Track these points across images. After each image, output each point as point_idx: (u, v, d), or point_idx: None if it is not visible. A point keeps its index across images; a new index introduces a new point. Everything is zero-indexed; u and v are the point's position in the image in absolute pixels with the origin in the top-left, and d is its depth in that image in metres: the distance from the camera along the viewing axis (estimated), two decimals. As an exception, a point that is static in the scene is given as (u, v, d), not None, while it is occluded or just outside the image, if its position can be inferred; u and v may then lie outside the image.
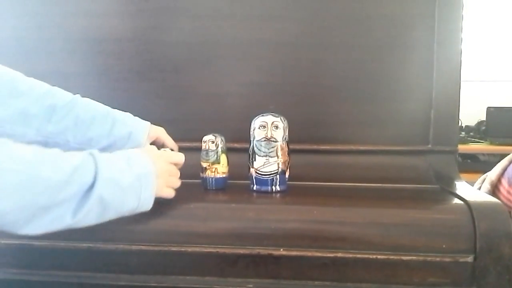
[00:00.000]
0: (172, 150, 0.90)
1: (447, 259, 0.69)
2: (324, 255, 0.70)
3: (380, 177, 0.93)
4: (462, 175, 0.94)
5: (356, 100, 0.98)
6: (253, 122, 0.83)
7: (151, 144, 0.89)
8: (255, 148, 0.82)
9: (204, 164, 0.84)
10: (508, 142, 2.54)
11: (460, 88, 0.96)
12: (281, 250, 0.71)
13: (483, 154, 2.72)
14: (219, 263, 0.72)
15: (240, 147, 0.89)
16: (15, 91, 0.78)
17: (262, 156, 0.81)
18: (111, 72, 1.02)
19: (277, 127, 0.81)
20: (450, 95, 0.96)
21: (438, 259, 0.69)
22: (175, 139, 0.93)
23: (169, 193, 0.74)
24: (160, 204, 0.70)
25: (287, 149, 0.82)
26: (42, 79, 0.84)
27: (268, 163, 0.81)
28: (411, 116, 0.98)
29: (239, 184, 0.85)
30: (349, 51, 0.98)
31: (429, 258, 0.69)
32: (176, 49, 1.01)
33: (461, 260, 0.69)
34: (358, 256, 0.70)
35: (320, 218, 0.72)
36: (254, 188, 0.83)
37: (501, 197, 1.04)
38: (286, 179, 0.83)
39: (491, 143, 2.63)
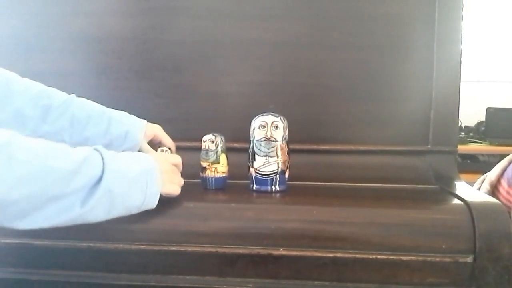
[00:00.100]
0: (169, 148, 0.90)
1: (447, 259, 0.69)
2: (324, 255, 0.70)
3: (379, 177, 0.93)
4: (462, 176, 0.94)
5: (356, 100, 0.98)
6: (253, 121, 0.83)
7: (148, 142, 0.89)
8: (255, 148, 0.82)
9: (204, 164, 0.84)
10: (508, 142, 2.54)
11: (460, 89, 0.96)
12: (281, 250, 0.71)
13: (483, 155, 2.72)
14: (218, 263, 0.72)
15: (239, 147, 0.88)
16: (9, 91, 0.78)
17: (262, 156, 0.81)
18: (111, 71, 1.02)
19: (277, 127, 0.81)
20: (450, 95, 0.96)
21: (437, 259, 0.69)
22: (175, 139, 0.93)
23: (175, 189, 0.74)
24: (160, 204, 0.70)
25: (287, 149, 0.82)
26: (42, 78, 0.84)
27: (268, 163, 0.81)
28: (411, 116, 0.98)
29: (239, 184, 0.85)
30: (349, 51, 0.98)
31: (428, 258, 0.69)
32: (176, 48, 1.01)
33: (461, 260, 0.69)
34: (358, 256, 0.70)
35: (319, 218, 0.73)
36: (254, 188, 0.83)
37: (501, 197, 1.04)
38: (286, 179, 0.83)
39: (491, 144, 2.63)
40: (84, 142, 0.81)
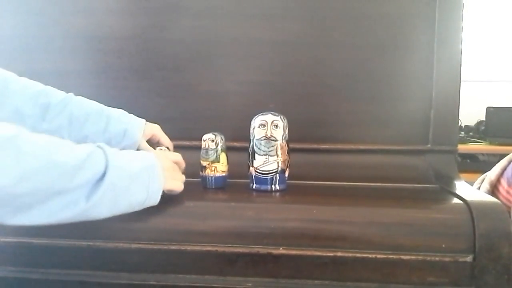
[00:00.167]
0: (167, 147, 0.90)
1: (447, 259, 0.69)
2: (324, 254, 0.70)
3: (379, 176, 0.93)
4: (462, 175, 0.94)
5: (356, 100, 0.98)
6: (253, 121, 0.83)
7: (146, 142, 0.89)
8: (255, 147, 0.82)
9: (204, 163, 0.84)
10: (508, 142, 2.54)
11: (460, 88, 0.96)
12: (281, 249, 0.71)
13: (483, 154, 2.72)
14: (218, 262, 0.72)
15: (239, 146, 0.89)
16: (7, 90, 0.78)
17: (262, 155, 0.81)
18: (111, 70, 1.02)
19: (277, 126, 0.81)
20: (450, 94, 0.96)
21: (437, 258, 0.69)
22: (175, 138, 0.93)
23: (177, 185, 0.75)
24: (160, 202, 0.70)
25: (287, 148, 0.82)
26: (42, 77, 0.84)
27: (267, 162, 0.81)
28: (411, 115, 0.98)
29: (239, 183, 0.85)
30: (349, 50, 0.98)
31: (428, 258, 0.69)
32: (176, 47, 1.01)
33: (461, 259, 0.69)
34: (358, 255, 0.70)
35: (319, 217, 0.73)
36: (254, 187, 0.82)
37: (500, 197, 1.04)
38: (286, 178, 0.83)
39: (491, 143, 2.63)
40: (83, 140, 0.81)
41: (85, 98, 0.86)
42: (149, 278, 0.73)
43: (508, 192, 1.02)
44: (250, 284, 0.71)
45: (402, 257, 0.69)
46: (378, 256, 0.69)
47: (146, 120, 0.89)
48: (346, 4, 0.98)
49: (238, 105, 1.00)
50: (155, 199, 0.69)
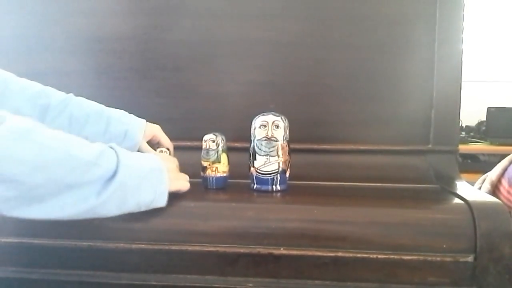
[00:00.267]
0: (167, 148, 0.90)
1: (448, 259, 0.69)
2: (325, 254, 0.70)
3: (380, 176, 0.93)
4: (462, 175, 0.94)
5: (356, 100, 0.98)
6: (253, 121, 0.83)
7: (147, 142, 0.89)
8: (255, 147, 0.82)
9: (205, 163, 0.84)
10: (508, 142, 2.54)
11: (460, 88, 0.96)
12: (282, 249, 0.71)
13: (483, 154, 2.72)
14: (219, 262, 0.72)
15: (240, 146, 0.89)
16: (7, 91, 0.78)
17: (263, 156, 0.81)
18: (111, 70, 1.02)
19: (277, 126, 0.81)
20: (450, 95, 0.96)
21: (438, 258, 0.69)
22: (176, 138, 0.93)
23: (183, 185, 0.76)
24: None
25: (287, 148, 0.82)
26: (42, 78, 0.85)
27: (268, 162, 0.81)
28: (411, 116, 0.98)
29: (240, 183, 0.85)
30: (350, 50, 0.98)
31: (429, 258, 0.69)
32: (177, 48, 1.01)
33: (462, 260, 0.69)
34: (359, 255, 0.70)
35: (320, 217, 0.72)
36: (255, 187, 0.82)
37: (501, 197, 1.04)
38: (287, 179, 0.83)
39: (491, 143, 2.63)
40: None
41: (85, 99, 0.86)
42: (149, 279, 0.73)
43: (509, 192, 1.02)
44: (251, 285, 0.71)
45: (403, 257, 0.69)
46: (379, 256, 0.69)
47: (147, 121, 0.89)
48: (347, 4, 0.98)
49: (239, 106, 1.00)
50: (162, 201, 0.70)
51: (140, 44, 1.01)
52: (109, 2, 1.02)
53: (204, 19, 1.00)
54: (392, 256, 0.69)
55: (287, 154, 0.82)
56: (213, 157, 0.83)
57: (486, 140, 2.69)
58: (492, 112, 2.72)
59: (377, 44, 0.97)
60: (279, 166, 0.81)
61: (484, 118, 2.76)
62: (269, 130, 0.81)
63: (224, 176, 0.84)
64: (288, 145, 0.82)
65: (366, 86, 0.98)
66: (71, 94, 0.85)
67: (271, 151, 0.80)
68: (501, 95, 2.79)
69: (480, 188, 1.10)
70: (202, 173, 0.84)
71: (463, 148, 2.20)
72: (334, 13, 0.98)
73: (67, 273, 0.74)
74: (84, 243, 0.73)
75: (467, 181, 0.91)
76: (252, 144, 0.83)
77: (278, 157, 0.81)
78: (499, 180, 1.06)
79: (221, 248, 0.71)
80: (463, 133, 2.76)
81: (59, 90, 0.85)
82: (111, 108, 0.87)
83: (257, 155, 0.81)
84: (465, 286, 0.69)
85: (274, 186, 0.81)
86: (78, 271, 0.74)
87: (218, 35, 1.00)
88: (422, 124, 0.97)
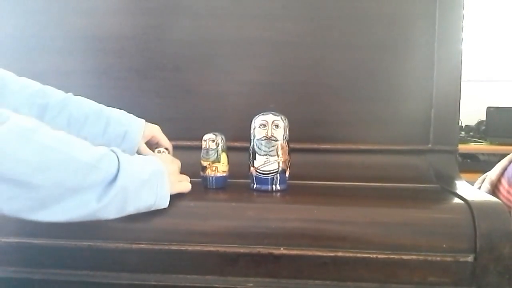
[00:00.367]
0: (166, 149, 0.90)
1: (448, 259, 0.69)
2: (325, 254, 0.70)
3: (380, 176, 0.93)
4: (462, 175, 0.94)
5: (356, 99, 0.98)
6: (253, 121, 0.83)
7: (145, 143, 0.89)
8: (255, 147, 0.82)
9: (205, 163, 0.84)
10: (508, 142, 2.54)
11: (460, 88, 0.96)
12: (282, 249, 0.71)
13: (483, 154, 2.72)
14: (219, 262, 0.72)
15: (240, 146, 0.88)
16: (6, 91, 0.78)
17: (263, 155, 0.81)
18: (111, 70, 1.02)
19: (277, 126, 0.81)
20: (450, 94, 0.96)
21: (438, 258, 0.69)
22: (175, 138, 0.93)
23: (185, 186, 0.77)
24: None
25: (287, 148, 0.82)
26: (42, 77, 0.84)
27: (268, 162, 0.81)
28: (411, 115, 0.98)
29: (239, 183, 0.85)
30: (350, 50, 0.98)
31: (429, 258, 0.69)
32: (177, 47, 1.01)
33: (462, 259, 0.69)
34: (359, 255, 0.70)
35: (320, 217, 0.72)
36: (254, 187, 0.82)
37: (501, 197, 1.04)
38: (287, 178, 0.83)
39: (491, 143, 2.64)
40: None
41: (85, 98, 0.85)
42: (149, 278, 0.73)
43: (508, 192, 1.02)
44: (251, 284, 0.71)
45: (403, 257, 0.69)
46: (379, 256, 0.69)
47: (146, 121, 0.89)
48: (346, 4, 0.98)
49: (238, 105, 1.00)
50: (164, 204, 0.71)
51: (140, 44, 1.01)
52: (109, 2, 1.02)
53: (204, 19, 1.00)
54: (392, 256, 0.69)
55: (287, 153, 0.82)
56: (212, 156, 0.83)
57: (485, 140, 2.69)
58: (492, 111, 2.72)
59: (377, 44, 0.97)
60: (279, 166, 0.81)
61: (483, 118, 2.76)
62: (269, 129, 0.81)
63: (224, 176, 0.84)
64: (288, 145, 0.82)
65: (366, 85, 0.98)
66: (70, 94, 0.85)
67: (271, 150, 0.80)
68: (500, 95, 2.79)
69: (479, 188, 1.10)
70: (201, 173, 0.84)
71: (462, 147, 2.20)
72: (334, 13, 0.98)
73: (67, 273, 0.74)
74: (84, 243, 0.73)
75: (467, 181, 0.91)
76: (252, 144, 0.83)
77: (278, 156, 0.81)
78: (498, 180, 1.06)
79: (221, 248, 0.71)
80: (463, 132, 2.76)
81: (59, 90, 0.85)
82: (110, 108, 0.87)
83: (257, 154, 0.81)
84: (465, 286, 0.69)
85: (274, 186, 0.81)
86: (78, 271, 0.74)
87: (218, 35, 1.00)
88: (422, 123, 0.97)
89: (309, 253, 0.70)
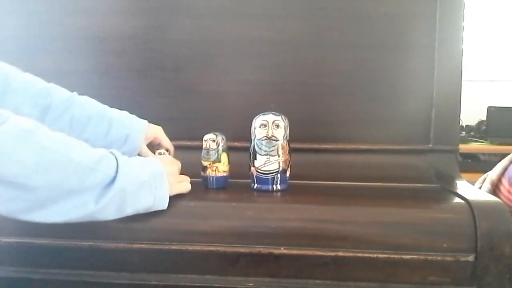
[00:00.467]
0: (167, 150, 0.90)
1: (448, 258, 0.69)
2: (325, 254, 0.70)
3: (381, 176, 0.93)
4: (463, 175, 0.94)
5: (357, 99, 0.98)
6: (254, 121, 0.82)
7: (147, 144, 0.89)
8: (256, 147, 0.82)
9: (205, 163, 0.84)
10: (509, 141, 2.54)
11: (461, 88, 0.96)
12: (282, 249, 0.71)
13: (484, 154, 2.72)
14: (219, 262, 0.72)
15: (241, 146, 0.88)
16: (9, 88, 0.77)
17: (263, 155, 0.81)
18: (112, 70, 1.02)
19: (278, 126, 0.81)
20: (451, 94, 0.96)
21: (439, 258, 0.69)
22: (176, 138, 0.93)
23: (185, 187, 0.77)
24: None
25: (288, 148, 0.82)
26: (42, 77, 0.84)
27: (269, 162, 0.81)
28: (412, 115, 0.98)
29: (240, 183, 0.85)
30: (350, 49, 0.98)
31: (430, 257, 0.69)
32: (177, 47, 1.01)
33: (462, 259, 0.69)
34: (359, 255, 0.70)
35: (320, 217, 0.72)
36: (255, 187, 0.82)
37: (502, 196, 1.04)
38: (287, 178, 0.83)
39: (492, 143, 2.63)
40: None
41: (89, 98, 0.85)
42: (150, 278, 0.73)
43: (509, 192, 1.02)
44: (251, 284, 0.71)
45: (404, 256, 0.69)
46: (379, 255, 0.69)
47: (148, 121, 0.89)
48: (347, 4, 0.98)
49: (239, 105, 1.00)
50: (163, 205, 0.71)
51: (140, 44, 1.01)
52: (109, 2, 1.02)
53: (204, 19, 1.00)
54: (392, 256, 0.69)
55: (288, 153, 0.82)
56: (213, 156, 0.83)
57: (486, 140, 2.69)
58: (492, 111, 2.72)
59: (378, 43, 0.97)
60: (279, 166, 0.81)
61: (484, 118, 2.76)
62: (270, 129, 0.81)
63: (224, 176, 0.84)
64: (288, 145, 0.82)
65: (367, 85, 0.98)
66: (74, 93, 0.84)
67: (272, 150, 0.80)
68: (501, 95, 2.79)
69: (480, 188, 1.10)
70: (202, 173, 0.84)
71: (463, 147, 2.19)
72: (334, 13, 0.98)
73: (67, 273, 0.74)
74: (85, 243, 0.73)
75: (467, 181, 0.91)
76: (252, 144, 0.83)
77: (279, 156, 0.81)
78: (499, 180, 1.06)
79: (221, 248, 0.71)
80: (463, 132, 2.76)
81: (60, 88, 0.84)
82: (113, 109, 0.86)
83: (257, 154, 0.81)
84: (465, 285, 0.69)
85: (274, 186, 0.81)
86: (79, 271, 0.74)
87: (219, 34, 1.00)
88: (422, 123, 0.97)
89: (310, 253, 0.70)
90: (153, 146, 0.90)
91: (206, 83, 1.00)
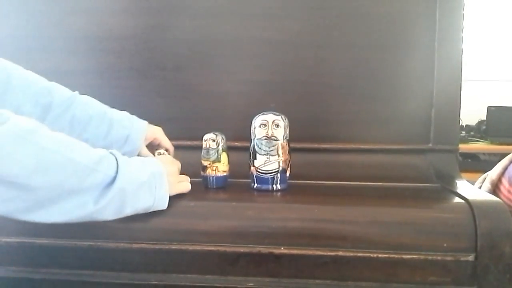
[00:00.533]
0: (167, 150, 0.90)
1: (448, 258, 0.69)
2: (325, 253, 0.70)
3: (381, 175, 0.93)
4: (463, 175, 0.94)
5: (357, 99, 0.98)
6: (254, 120, 0.82)
7: (147, 144, 0.89)
8: (256, 146, 0.82)
9: (205, 163, 0.84)
10: (509, 141, 2.54)
11: (461, 87, 0.96)
12: (282, 248, 0.71)
13: (484, 154, 2.72)
14: (219, 262, 0.72)
15: (240, 146, 0.89)
16: (10, 87, 0.77)
17: (263, 155, 0.81)
18: (112, 70, 1.02)
19: (278, 125, 0.81)
20: (451, 94, 0.96)
21: (439, 258, 0.69)
22: (176, 138, 0.93)
23: (185, 187, 0.77)
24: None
25: (288, 147, 0.82)
26: (43, 77, 0.84)
27: (268, 161, 0.81)
28: (412, 115, 0.97)
29: (240, 183, 0.85)
30: (350, 49, 0.98)
31: (430, 257, 0.69)
32: (177, 47, 1.01)
33: (462, 259, 0.69)
34: (359, 254, 0.70)
35: (320, 216, 0.72)
36: (255, 187, 0.82)
37: (502, 196, 1.04)
38: (287, 178, 0.83)
39: (492, 143, 2.64)
40: None
41: (90, 98, 0.85)
42: (150, 278, 0.73)
43: (509, 191, 1.02)
44: (251, 284, 0.71)
45: (404, 256, 0.69)
46: (380, 255, 0.69)
47: (148, 121, 0.89)
48: (347, 3, 0.98)
49: (239, 105, 1.00)
50: (162, 205, 0.71)
51: (140, 44, 1.01)
52: (109, 2, 1.02)
53: (204, 19, 1.00)
54: (392, 256, 0.69)
55: (287, 153, 0.82)
56: (213, 156, 0.83)
57: (486, 139, 2.69)
58: (492, 111, 2.72)
59: (378, 43, 0.97)
60: (279, 165, 0.81)
61: (484, 117, 2.76)
62: (269, 129, 0.81)
63: (224, 176, 0.84)
64: (288, 144, 0.82)
65: (366, 85, 0.98)
66: (76, 93, 0.84)
67: (271, 150, 0.80)
68: (501, 94, 2.79)
69: (480, 187, 1.10)
70: (202, 173, 0.84)
71: (463, 147, 2.19)
72: (334, 13, 0.98)
73: (68, 272, 0.74)
74: (85, 243, 0.73)
75: (467, 181, 0.91)
76: (252, 143, 0.83)
77: (278, 156, 0.81)
78: (499, 179, 1.06)
79: (221, 248, 0.71)
80: (463, 132, 2.76)
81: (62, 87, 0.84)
82: (114, 109, 0.86)
83: (257, 154, 0.81)
84: (465, 285, 0.69)
85: (274, 186, 0.81)
86: (79, 270, 0.74)
87: (218, 34, 1.00)
88: (422, 123, 0.96)
89: (310, 252, 0.70)
90: (153, 147, 0.90)
91: (206, 83, 1.00)
